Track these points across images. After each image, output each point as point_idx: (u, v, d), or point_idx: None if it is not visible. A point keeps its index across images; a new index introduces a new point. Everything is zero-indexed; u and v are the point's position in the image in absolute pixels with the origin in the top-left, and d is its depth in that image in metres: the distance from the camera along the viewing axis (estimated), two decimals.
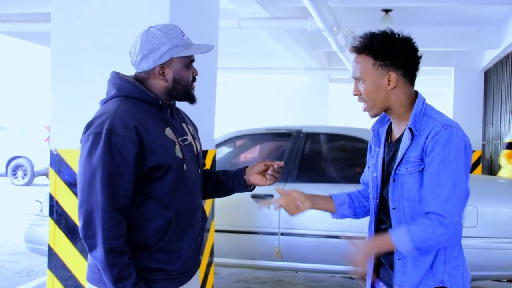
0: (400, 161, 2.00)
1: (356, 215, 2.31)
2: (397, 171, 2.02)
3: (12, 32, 8.90)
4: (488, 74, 11.49)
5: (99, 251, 1.88)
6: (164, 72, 2.05)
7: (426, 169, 1.93)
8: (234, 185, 2.30)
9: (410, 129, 1.99)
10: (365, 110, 2.08)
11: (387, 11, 8.18)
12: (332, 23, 6.55)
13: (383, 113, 2.11)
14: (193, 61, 2.11)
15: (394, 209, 2.03)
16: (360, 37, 2.05)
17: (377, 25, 8.24)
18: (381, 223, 2.13)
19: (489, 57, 10.58)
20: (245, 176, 2.27)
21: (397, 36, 2.02)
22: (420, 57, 2.06)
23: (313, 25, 6.76)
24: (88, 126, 1.97)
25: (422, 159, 1.95)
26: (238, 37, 9.14)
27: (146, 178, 1.98)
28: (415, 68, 2.06)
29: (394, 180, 2.03)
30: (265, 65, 12.59)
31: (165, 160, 1.99)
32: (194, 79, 2.13)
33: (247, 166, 2.30)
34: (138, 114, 1.98)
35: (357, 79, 2.06)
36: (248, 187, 2.29)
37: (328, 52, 12.47)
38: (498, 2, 7.36)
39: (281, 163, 2.23)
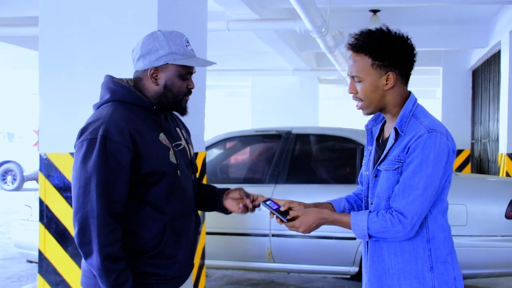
0: (384, 158, 2.01)
1: None
2: (378, 167, 2.03)
3: None
4: (476, 73, 11.57)
5: (95, 258, 1.87)
6: (157, 76, 2.03)
7: (404, 168, 1.93)
8: (212, 204, 2.28)
9: (395, 129, 1.98)
10: (359, 108, 2.05)
11: (375, 11, 8.21)
12: (320, 24, 6.56)
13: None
14: (191, 73, 2.08)
15: (371, 203, 2.06)
16: (357, 35, 1.99)
17: (365, 26, 8.26)
18: None
19: (476, 56, 10.66)
20: (222, 198, 2.26)
21: (396, 35, 1.97)
22: (416, 55, 2.02)
23: (302, 26, 6.77)
24: (82, 131, 1.95)
25: (400, 159, 1.95)
26: (226, 39, 9.13)
27: (141, 183, 1.97)
28: (411, 68, 2.03)
29: (376, 176, 2.04)
30: (254, 67, 12.57)
31: (160, 166, 1.98)
32: (189, 92, 2.10)
33: (228, 189, 2.27)
34: (133, 120, 1.97)
35: (353, 78, 2.02)
36: (224, 210, 2.27)
37: (317, 53, 12.50)
38: (485, 1, 7.40)
39: (257, 202, 2.18)
